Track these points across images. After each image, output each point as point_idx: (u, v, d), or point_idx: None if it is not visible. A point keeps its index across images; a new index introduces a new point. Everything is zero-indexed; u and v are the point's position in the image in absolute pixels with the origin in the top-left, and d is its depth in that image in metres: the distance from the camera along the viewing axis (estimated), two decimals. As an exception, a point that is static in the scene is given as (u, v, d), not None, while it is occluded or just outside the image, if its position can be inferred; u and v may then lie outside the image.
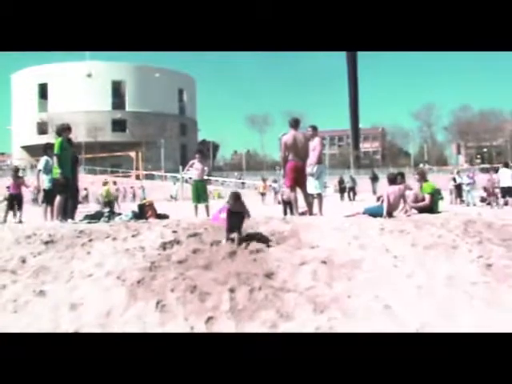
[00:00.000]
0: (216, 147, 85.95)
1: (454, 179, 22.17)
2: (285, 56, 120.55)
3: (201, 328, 3.90)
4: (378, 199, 9.52)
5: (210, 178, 37.99)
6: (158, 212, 9.74)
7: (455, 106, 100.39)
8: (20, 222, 11.18)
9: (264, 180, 31.88)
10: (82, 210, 11.68)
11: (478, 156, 72.96)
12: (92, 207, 21.05)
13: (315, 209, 8.55)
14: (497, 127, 71.24)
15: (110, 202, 21.97)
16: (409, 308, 4.00)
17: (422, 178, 9.08)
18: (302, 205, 8.52)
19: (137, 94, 68.16)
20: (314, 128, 9.01)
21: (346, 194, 28.88)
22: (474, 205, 19.06)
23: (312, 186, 8.56)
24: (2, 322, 4.12)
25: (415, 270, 4.66)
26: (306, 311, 4.05)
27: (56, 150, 8.12)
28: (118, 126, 68.03)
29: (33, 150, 53.97)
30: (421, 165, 56.71)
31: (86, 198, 30.46)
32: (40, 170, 9.35)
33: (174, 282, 4.54)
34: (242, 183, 50.14)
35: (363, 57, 76.36)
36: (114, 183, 31.72)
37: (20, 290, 4.60)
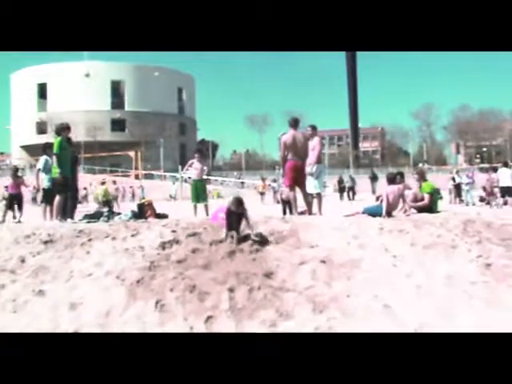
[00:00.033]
0: (215, 147, 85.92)
1: (454, 179, 22.16)
2: (284, 56, 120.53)
3: (200, 327, 3.90)
4: (378, 199, 9.53)
5: (210, 177, 37.94)
6: (158, 212, 9.74)
7: (454, 106, 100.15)
8: (19, 222, 11.18)
9: (263, 179, 31.86)
10: (82, 210, 11.67)
11: (478, 155, 72.98)
12: (91, 207, 21.02)
13: (314, 208, 8.55)
14: (496, 127, 71.22)
15: (108, 201, 22.00)
16: (408, 307, 4.01)
17: (421, 177, 9.08)
18: (301, 204, 8.52)
19: (136, 94, 68.11)
20: (314, 127, 9.00)
21: (345, 194, 28.85)
22: (474, 204, 19.06)
23: (311, 185, 8.55)
24: (2, 321, 4.12)
25: (414, 269, 4.66)
26: (305, 311, 4.06)
27: (55, 149, 8.11)
28: (117, 125, 68.00)
29: (32, 150, 53.89)
30: (420, 164, 56.73)
31: (85, 197, 30.42)
32: (39, 170, 9.34)
33: (173, 281, 4.54)
34: (242, 183, 50.11)
35: (363, 56, 76.52)
36: (114, 183, 31.73)
37: (19, 290, 4.60)
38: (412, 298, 4.17)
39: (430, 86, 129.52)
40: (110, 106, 68.28)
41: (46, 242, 5.63)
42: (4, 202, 13.33)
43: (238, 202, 5.57)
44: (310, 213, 8.30)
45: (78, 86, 64.06)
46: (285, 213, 10.47)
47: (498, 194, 16.75)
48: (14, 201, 12.71)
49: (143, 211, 9.42)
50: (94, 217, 8.95)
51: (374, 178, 31.79)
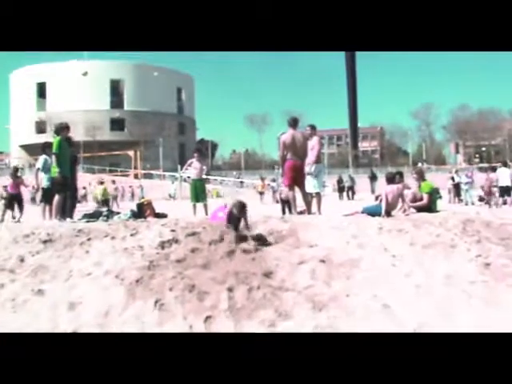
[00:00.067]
0: (214, 146, 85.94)
1: (453, 178, 22.20)
2: (284, 55, 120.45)
3: (199, 327, 3.90)
4: (377, 198, 9.53)
5: (209, 177, 37.96)
6: (157, 211, 9.73)
7: (454, 105, 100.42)
8: (18, 222, 11.17)
9: (262, 179, 31.85)
10: (81, 209, 11.67)
11: (477, 155, 73.02)
12: (90, 206, 21.03)
13: (314, 208, 8.55)
14: (495, 126, 71.26)
15: (106, 200, 22.06)
16: (407, 307, 4.01)
17: (421, 177, 9.09)
18: (300, 204, 8.52)
19: (135, 93, 68.09)
20: (313, 127, 9.01)
21: (344, 193, 28.88)
22: (473, 204, 19.09)
23: (310, 185, 8.55)
24: (1, 321, 4.12)
25: (413, 269, 4.66)
26: (304, 310, 4.05)
27: (54, 148, 8.11)
28: (117, 124, 67.98)
29: (31, 149, 53.88)
30: (419, 164, 56.74)
31: (84, 197, 30.42)
32: (38, 169, 9.34)
33: (172, 281, 4.54)
34: (241, 182, 50.13)
35: (362, 56, 76.60)
36: (113, 182, 31.74)
37: (18, 289, 4.60)
38: (411, 297, 4.17)
39: (429, 85, 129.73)
40: (109, 105, 68.29)
41: (45, 242, 5.62)
42: (3, 201, 13.33)
43: (242, 206, 5.52)
44: (310, 212, 8.31)
45: (77, 85, 64.03)
46: (284, 212, 10.48)
47: (497, 194, 16.77)
48: (14, 201, 12.72)
49: (142, 211, 9.42)
50: (93, 216, 8.94)
51: (373, 178, 31.85)
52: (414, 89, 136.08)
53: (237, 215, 5.44)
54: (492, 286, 4.32)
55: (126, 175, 52.20)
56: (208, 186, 20.08)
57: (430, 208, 8.40)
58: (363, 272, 4.65)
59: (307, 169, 8.45)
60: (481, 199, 18.88)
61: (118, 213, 9.56)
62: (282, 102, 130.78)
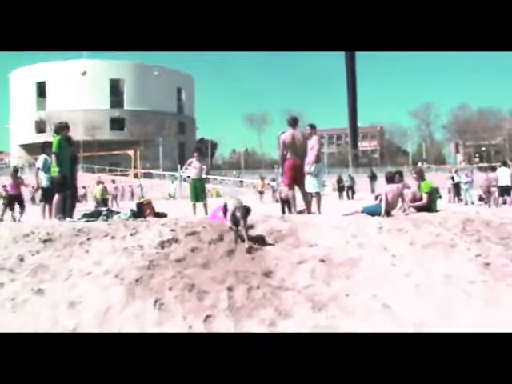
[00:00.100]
0: (214, 146, 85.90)
1: (453, 178, 22.20)
2: (283, 55, 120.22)
3: (199, 326, 3.90)
4: (377, 198, 9.52)
5: (209, 176, 37.96)
6: (157, 210, 9.72)
7: (454, 105, 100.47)
8: (19, 222, 11.17)
9: (262, 178, 31.87)
10: (81, 209, 11.67)
11: (477, 155, 73.01)
12: (90, 206, 21.04)
13: (313, 207, 8.55)
14: (495, 126, 71.23)
15: (105, 200, 22.10)
16: (407, 307, 4.01)
17: (420, 176, 9.08)
18: (300, 203, 8.52)
19: (135, 93, 68.09)
20: (313, 126, 9.00)
21: (344, 193, 28.87)
22: (473, 203, 19.09)
23: (310, 184, 8.55)
24: (1, 320, 4.12)
25: (413, 268, 4.66)
26: (304, 309, 4.06)
27: (54, 148, 8.10)
28: (117, 124, 68.00)
29: (31, 149, 53.90)
30: (419, 163, 56.73)
31: (84, 196, 30.44)
32: (38, 168, 9.35)
33: (172, 280, 4.54)
34: (241, 182, 50.14)
35: (362, 56, 76.44)
36: (113, 182, 31.76)
37: (18, 289, 4.60)
38: (411, 297, 4.18)
39: (429, 85, 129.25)
40: (109, 104, 68.31)
41: (45, 241, 5.62)
42: (2, 200, 13.32)
43: (246, 211, 5.46)
44: (309, 212, 8.31)
45: (76, 85, 64.03)
46: (284, 212, 10.46)
47: (496, 193, 16.77)
48: (15, 201, 12.70)
49: (142, 210, 9.41)
50: (92, 216, 8.94)
51: (373, 177, 31.86)
52: (414, 88, 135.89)
53: (239, 218, 5.38)
54: (492, 286, 4.32)
55: (126, 175, 52.22)
56: (208, 186, 20.09)
57: (429, 208, 8.40)
58: (363, 272, 4.66)
59: (307, 168, 8.45)
60: (480, 199, 18.88)
61: (118, 212, 9.55)
62: (281, 101, 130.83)
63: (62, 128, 8.46)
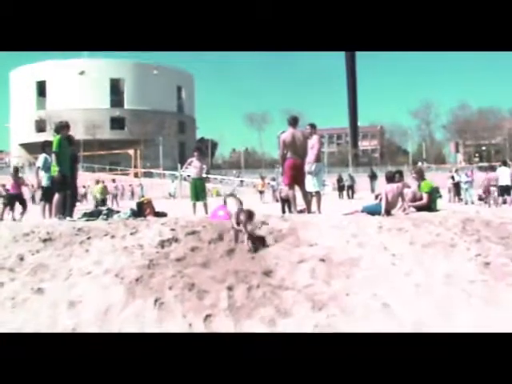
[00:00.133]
0: (214, 145, 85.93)
1: (453, 177, 22.20)
2: (284, 55, 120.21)
3: (199, 326, 3.91)
4: (377, 197, 9.53)
5: (209, 175, 37.95)
6: (157, 210, 9.73)
7: (454, 105, 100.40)
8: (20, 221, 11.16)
9: (262, 178, 31.89)
10: (81, 208, 11.67)
11: (477, 154, 72.99)
12: (91, 205, 21.06)
13: (314, 207, 8.55)
14: (495, 125, 71.20)
15: (103, 199, 22.13)
16: (407, 306, 4.01)
17: (420, 176, 9.08)
18: (300, 203, 8.52)
19: (135, 92, 68.11)
20: (313, 126, 9.01)
21: (344, 192, 28.89)
22: (473, 203, 19.09)
23: (310, 184, 8.56)
24: (0, 320, 4.12)
25: (413, 268, 4.66)
26: (304, 309, 4.06)
27: (54, 147, 8.11)
28: (117, 123, 68.03)
29: (31, 148, 53.90)
30: (419, 163, 56.75)
31: (84, 195, 30.44)
32: (39, 168, 9.35)
33: (172, 279, 4.54)
34: (241, 181, 50.14)
35: (362, 55, 76.48)
36: (113, 181, 31.77)
37: (18, 288, 4.60)
38: (411, 296, 4.18)
39: (429, 84, 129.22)
40: (110, 104, 68.33)
41: (44, 240, 5.63)
42: (1, 199, 13.31)
43: (249, 215, 5.43)
44: (309, 211, 8.31)
45: (77, 84, 64.10)
46: (284, 211, 10.49)
47: (496, 193, 16.77)
48: (15, 201, 12.70)
49: (142, 209, 9.41)
50: (92, 215, 8.94)
51: (373, 177, 31.87)
52: (414, 88, 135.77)
53: (242, 221, 5.34)
54: (492, 286, 4.32)
55: (126, 174, 52.19)
56: (208, 185, 20.08)
57: (429, 207, 8.41)
58: (363, 271, 4.65)
59: (307, 168, 8.45)
60: (480, 198, 18.88)
61: (118, 211, 9.56)
62: (281, 101, 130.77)
63: (63, 127, 8.46)
